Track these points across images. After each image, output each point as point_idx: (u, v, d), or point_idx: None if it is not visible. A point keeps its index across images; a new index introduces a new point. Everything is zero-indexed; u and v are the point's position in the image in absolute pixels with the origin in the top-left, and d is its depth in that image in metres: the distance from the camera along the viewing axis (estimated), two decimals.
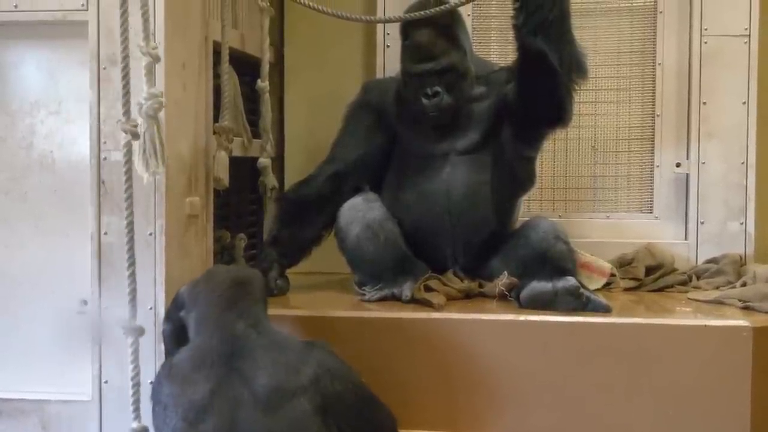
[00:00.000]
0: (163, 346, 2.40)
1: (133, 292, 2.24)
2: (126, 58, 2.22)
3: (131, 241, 2.24)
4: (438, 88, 2.77)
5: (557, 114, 2.73)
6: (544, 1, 2.58)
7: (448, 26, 2.81)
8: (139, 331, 2.27)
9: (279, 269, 2.90)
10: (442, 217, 2.85)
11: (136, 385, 2.23)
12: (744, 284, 2.89)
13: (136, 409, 2.24)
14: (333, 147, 3.00)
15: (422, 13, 2.69)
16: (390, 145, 2.95)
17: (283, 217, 2.98)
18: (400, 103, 2.93)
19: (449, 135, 2.87)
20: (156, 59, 2.21)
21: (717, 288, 2.94)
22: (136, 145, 2.23)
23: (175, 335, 2.26)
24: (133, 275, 2.24)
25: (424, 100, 2.78)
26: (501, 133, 2.86)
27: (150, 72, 2.21)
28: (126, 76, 2.21)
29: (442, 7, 2.73)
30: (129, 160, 2.24)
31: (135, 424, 2.27)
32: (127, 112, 2.22)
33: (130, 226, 2.25)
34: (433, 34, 2.78)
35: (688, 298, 2.86)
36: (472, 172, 2.85)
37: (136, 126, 2.22)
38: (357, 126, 2.97)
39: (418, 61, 2.79)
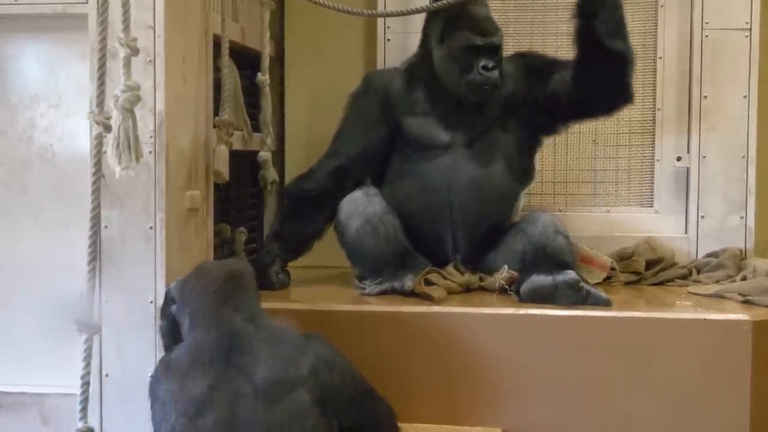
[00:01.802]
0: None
1: (92, 288, 2.20)
2: (104, 48, 2.18)
3: (95, 234, 2.20)
4: (493, 62, 2.81)
5: (625, 96, 2.84)
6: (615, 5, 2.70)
7: (488, 8, 2.89)
8: (95, 329, 2.24)
9: (281, 264, 2.90)
10: (443, 209, 2.85)
11: (86, 384, 2.20)
12: (744, 278, 2.89)
13: (83, 409, 2.21)
14: (335, 139, 2.98)
15: (425, 6, 2.69)
16: (393, 136, 2.94)
17: (285, 213, 2.98)
18: (409, 92, 2.91)
19: (458, 126, 2.87)
20: (135, 52, 2.18)
21: (717, 282, 2.94)
22: (110, 138, 2.19)
23: (171, 331, 2.26)
24: (93, 270, 2.20)
25: (484, 73, 2.79)
26: (507, 127, 2.89)
27: (127, 64, 2.17)
28: (102, 66, 2.17)
29: (442, 2, 2.74)
30: (99, 153, 2.20)
31: (80, 425, 2.23)
32: (101, 104, 2.18)
33: (96, 218, 2.20)
34: (485, 11, 2.86)
35: (688, 292, 2.86)
36: (474, 165, 2.85)
37: (109, 118, 2.18)
38: (360, 117, 2.95)
39: (479, 33, 2.80)
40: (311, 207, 2.92)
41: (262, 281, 2.81)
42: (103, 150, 2.38)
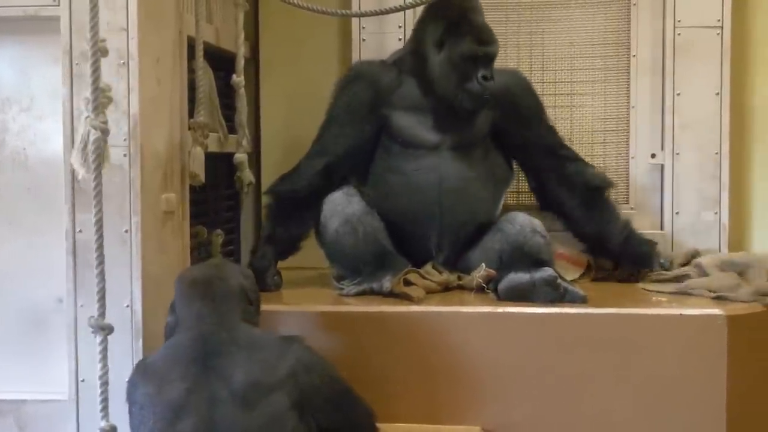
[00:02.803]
0: (140, 343, 2.40)
1: (102, 290, 2.19)
2: (96, 53, 2.15)
3: (101, 238, 2.19)
4: (491, 72, 2.82)
5: None
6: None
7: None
8: (108, 329, 2.23)
9: (276, 267, 2.89)
10: (432, 209, 2.86)
11: (105, 384, 2.19)
12: (686, 275, 2.86)
13: (105, 408, 2.21)
14: (321, 134, 2.94)
15: (399, 6, 2.70)
16: (378, 131, 2.92)
17: (276, 214, 2.93)
18: (397, 86, 2.91)
19: (446, 128, 2.88)
20: (104, 53, 2.16)
21: (669, 280, 2.90)
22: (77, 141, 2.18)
23: (175, 327, 2.25)
24: (102, 273, 2.19)
25: (483, 82, 2.80)
26: (493, 140, 2.95)
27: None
28: (96, 71, 2.15)
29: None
30: (99, 156, 2.17)
31: (103, 423, 2.22)
32: (96, 108, 2.16)
33: (99, 223, 2.19)
34: (484, 20, 2.87)
35: (644, 290, 2.84)
36: (462, 167, 2.88)
37: (105, 122, 2.16)
38: (348, 110, 2.92)
39: (480, 43, 2.81)
40: (300, 207, 2.90)
41: (259, 285, 2.81)
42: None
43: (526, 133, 2.98)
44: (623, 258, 2.98)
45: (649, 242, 3.01)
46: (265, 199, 3.00)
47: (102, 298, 2.20)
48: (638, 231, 3.06)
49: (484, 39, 2.82)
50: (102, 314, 2.21)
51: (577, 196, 2.97)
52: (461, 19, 2.83)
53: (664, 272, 2.95)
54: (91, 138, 2.15)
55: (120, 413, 2.23)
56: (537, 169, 3.03)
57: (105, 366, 2.21)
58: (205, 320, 2.16)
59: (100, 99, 2.14)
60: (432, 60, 2.86)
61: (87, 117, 2.17)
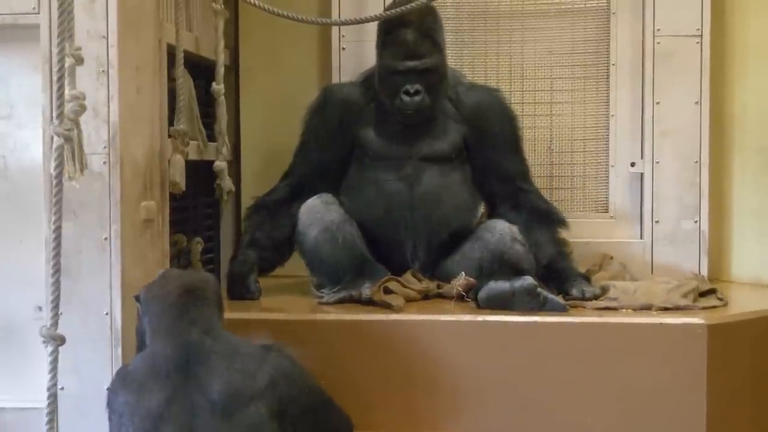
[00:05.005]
0: (119, 351, 2.40)
1: (57, 300, 2.15)
2: (62, 60, 2.12)
3: (58, 247, 2.14)
4: (419, 87, 2.80)
5: None
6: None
7: (432, 29, 2.86)
8: (60, 340, 2.17)
9: (257, 273, 2.89)
10: (405, 216, 2.87)
11: (53, 396, 2.14)
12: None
13: (51, 421, 2.15)
14: (294, 156, 3.01)
15: (379, 14, 2.70)
16: (350, 147, 2.96)
17: (255, 219, 2.96)
18: (366, 104, 2.95)
19: (413, 140, 2.90)
20: (79, 61, 2.15)
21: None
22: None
23: (142, 334, 2.24)
24: (57, 282, 2.14)
25: (405, 98, 2.81)
26: (466, 151, 2.95)
27: (72, 74, 2.14)
28: (61, 78, 2.12)
29: (395, 10, 2.75)
30: (60, 164, 2.14)
31: None
32: (60, 115, 2.13)
33: (58, 231, 2.14)
34: (418, 34, 2.83)
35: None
36: (435, 175, 2.89)
37: (69, 130, 2.13)
38: (317, 133, 2.98)
39: (402, 58, 2.81)
40: (276, 212, 2.93)
41: (241, 291, 2.81)
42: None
43: (489, 155, 2.95)
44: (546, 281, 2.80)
45: (570, 274, 2.85)
46: (244, 216, 3.03)
47: (56, 308, 2.15)
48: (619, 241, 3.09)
49: (405, 54, 2.81)
50: (55, 324, 2.15)
51: (523, 217, 2.91)
52: (388, 34, 2.85)
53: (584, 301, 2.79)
54: (54, 145, 2.13)
55: (99, 422, 2.22)
56: (493, 196, 2.98)
57: (54, 378, 2.15)
58: (191, 329, 2.15)
59: (65, 105, 2.12)
60: (375, 75, 2.91)
61: (51, 124, 2.16)
